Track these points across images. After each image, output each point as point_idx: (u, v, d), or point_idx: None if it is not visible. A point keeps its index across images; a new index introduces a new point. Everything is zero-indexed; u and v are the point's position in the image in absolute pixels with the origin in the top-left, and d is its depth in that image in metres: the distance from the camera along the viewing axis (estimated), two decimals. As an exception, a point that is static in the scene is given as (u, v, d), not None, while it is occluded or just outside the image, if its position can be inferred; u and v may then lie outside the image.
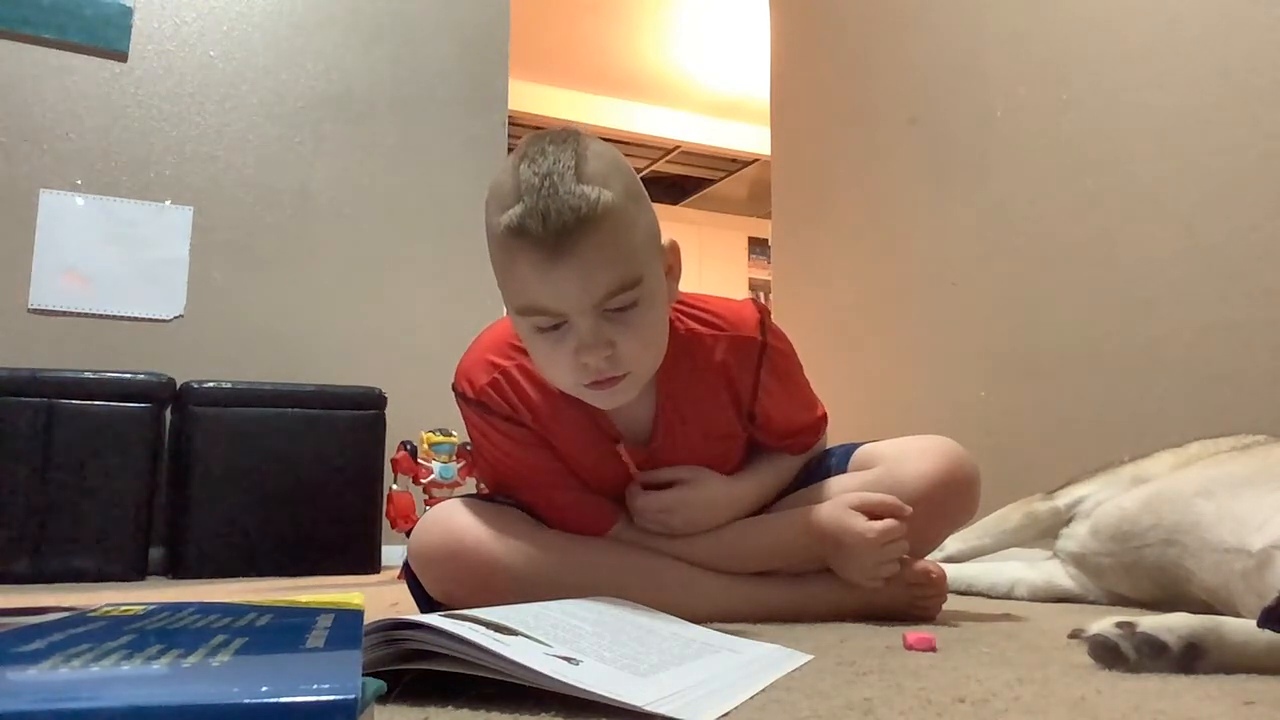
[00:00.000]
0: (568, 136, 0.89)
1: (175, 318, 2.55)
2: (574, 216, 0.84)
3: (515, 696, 0.55)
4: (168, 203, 2.59)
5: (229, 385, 2.31)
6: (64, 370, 2.18)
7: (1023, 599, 1.52)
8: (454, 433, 2.23)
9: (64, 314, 2.45)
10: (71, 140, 2.51)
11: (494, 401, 1.05)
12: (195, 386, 2.27)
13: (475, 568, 1.01)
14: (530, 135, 0.91)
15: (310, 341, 2.67)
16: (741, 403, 1.09)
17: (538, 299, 0.88)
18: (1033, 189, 2.11)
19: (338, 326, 2.72)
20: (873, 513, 1.06)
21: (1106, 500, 1.44)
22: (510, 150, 2.73)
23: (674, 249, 0.99)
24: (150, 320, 2.52)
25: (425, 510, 1.70)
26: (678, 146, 5.86)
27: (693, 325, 1.06)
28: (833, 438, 1.24)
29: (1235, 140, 1.71)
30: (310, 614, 0.52)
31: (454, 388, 1.08)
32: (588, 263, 0.85)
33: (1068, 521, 1.53)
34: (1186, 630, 0.72)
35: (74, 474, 2.10)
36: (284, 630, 0.47)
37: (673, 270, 0.99)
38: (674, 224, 6.59)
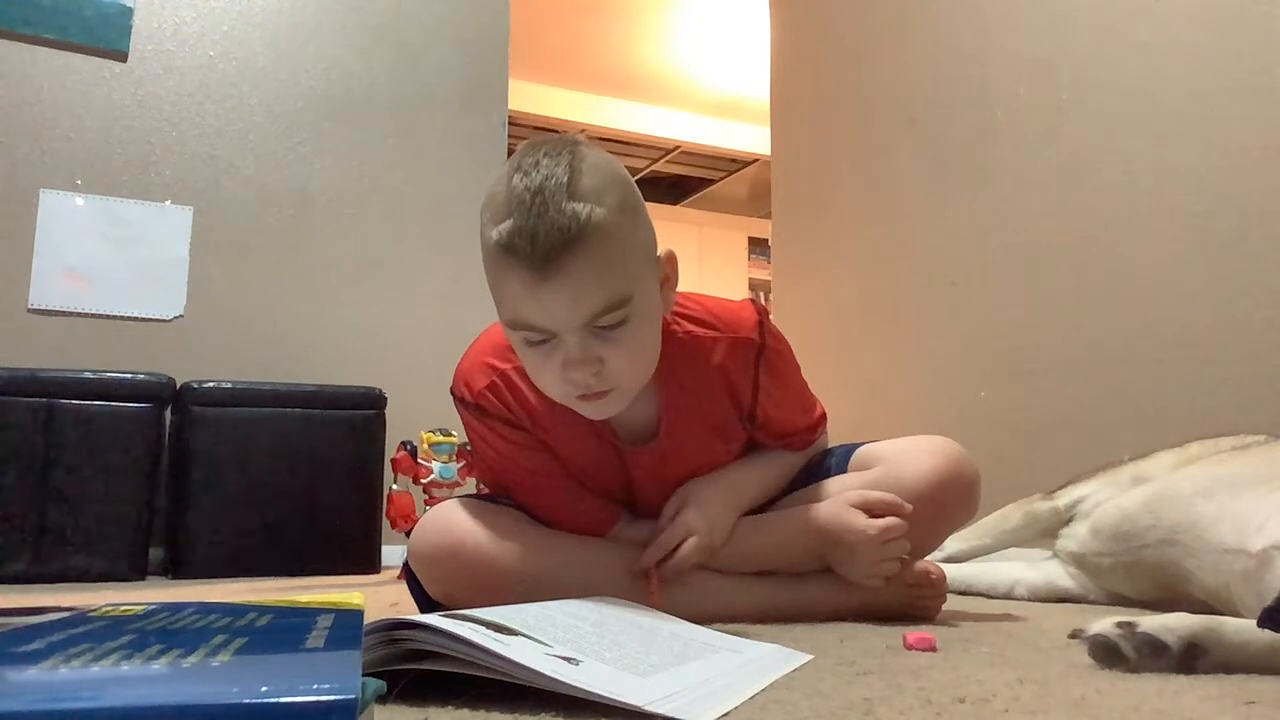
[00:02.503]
0: (563, 148, 0.88)
1: (175, 318, 2.55)
2: (562, 238, 0.83)
3: (515, 696, 0.55)
4: (168, 203, 2.59)
5: (229, 385, 2.31)
6: (64, 370, 2.18)
7: (1023, 599, 1.52)
8: (454, 433, 2.23)
9: (64, 314, 2.45)
10: (71, 140, 2.51)
11: (492, 405, 1.05)
12: (195, 386, 2.27)
13: (475, 568, 1.01)
14: (529, 142, 0.90)
15: (310, 341, 2.67)
16: (742, 404, 1.09)
17: (526, 316, 0.88)
18: (1033, 189, 2.11)
19: (338, 326, 2.72)
20: (873, 511, 1.06)
21: (1106, 500, 1.44)
22: (510, 150, 2.73)
23: (670, 259, 0.98)
24: (150, 320, 2.52)
25: (425, 510, 1.70)
26: (678, 146, 5.86)
27: (690, 328, 1.05)
28: (833, 438, 1.24)
29: (1236, 140, 1.71)
30: (310, 614, 0.52)
31: (452, 391, 1.08)
32: (576, 283, 0.85)
33: (1068, 521, 1.53)
34: (1186, 630, 0.72)
35: (74, 474, 2.10)
36: (284, 630, 0.47)
37: (669, 280, 0.98)
38: (674, 224, 6.59)
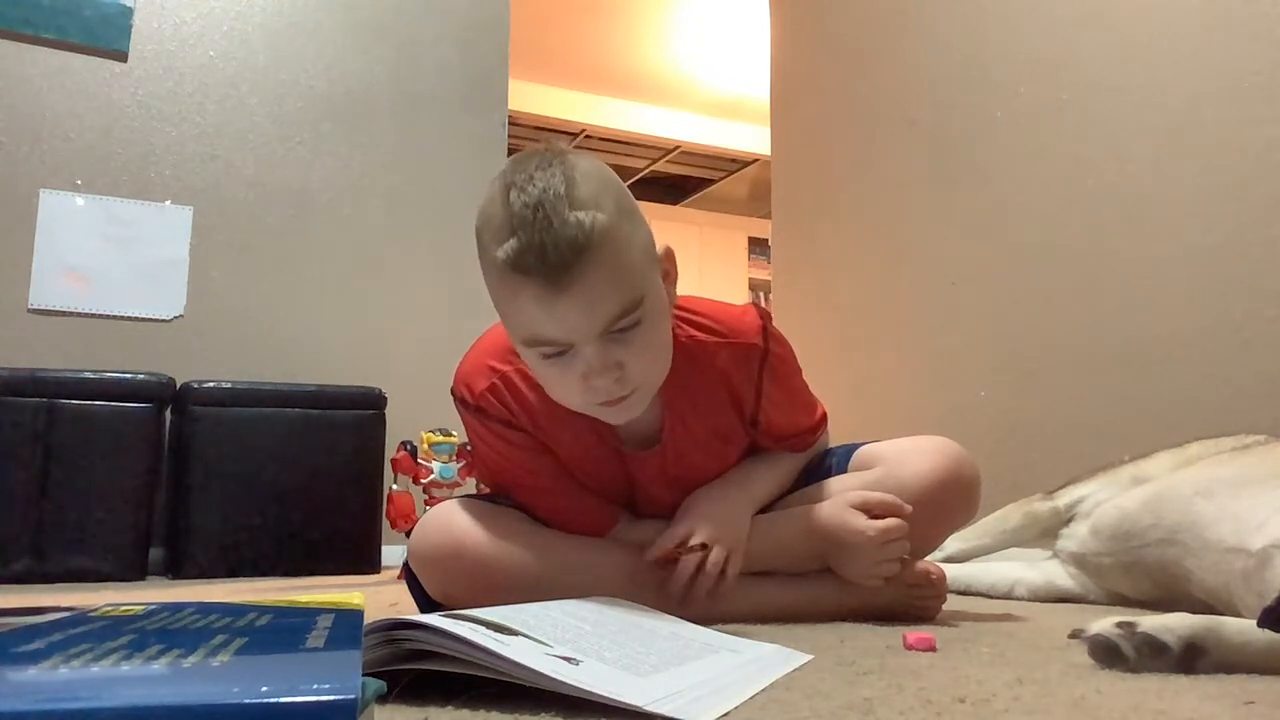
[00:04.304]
0: (553, 159, 0.87)
1: (175, 318, 2.55)
2: (571, 248, 0.82)
3: (515, 696, 0.55)
4: (168, 203, 2.59)
5: (229, 385, 2.31)
6: (64, 370, 2.18)
7: (1023, 599, 1.52)
8: (454, 433, 2.23)
9: (64, 314, 2.45)
10: (71, 140, 2.51)
11: (493, 406, 1.05)
12: (195, 386, 2.27)
13: (475, 568, 1.01)
14: (513, 158, 0.90)
15: (310, 341, 2.67)
16: (744, 408, 1.09)
17: (542, 331, 0.87)
18: (1032, 189, 2.12)
19: (338, 326, 2.72)
20: (873, 511, 1.06)
21: (1106, 500, 1.44)
22: (511, 150, 2.72)
23: (669, 255, 0.98)
24: (150, 320, 2.52)
25: (425, 510, 1.70)
26: (678, 146, 5.85)
27: (693, 333, 1.05)
28: (833, 438, 1.24)
29: (1235, 140, 1.71)
30: (310, 614, 0.52)
31: (453, 392, 1.08)
32: (590, 292, 0.84)
33: (1068, 521, 1.53)
34: (1186, 630, 0.72)
35: (74, 474, 2.10)
36: (284, 630, 0.47)
37: (669, 275, 0.98)
38: (674, 224, 6.59)
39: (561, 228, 0.83)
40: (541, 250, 0.83)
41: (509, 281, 0.86)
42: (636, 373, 0.91)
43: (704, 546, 1.03)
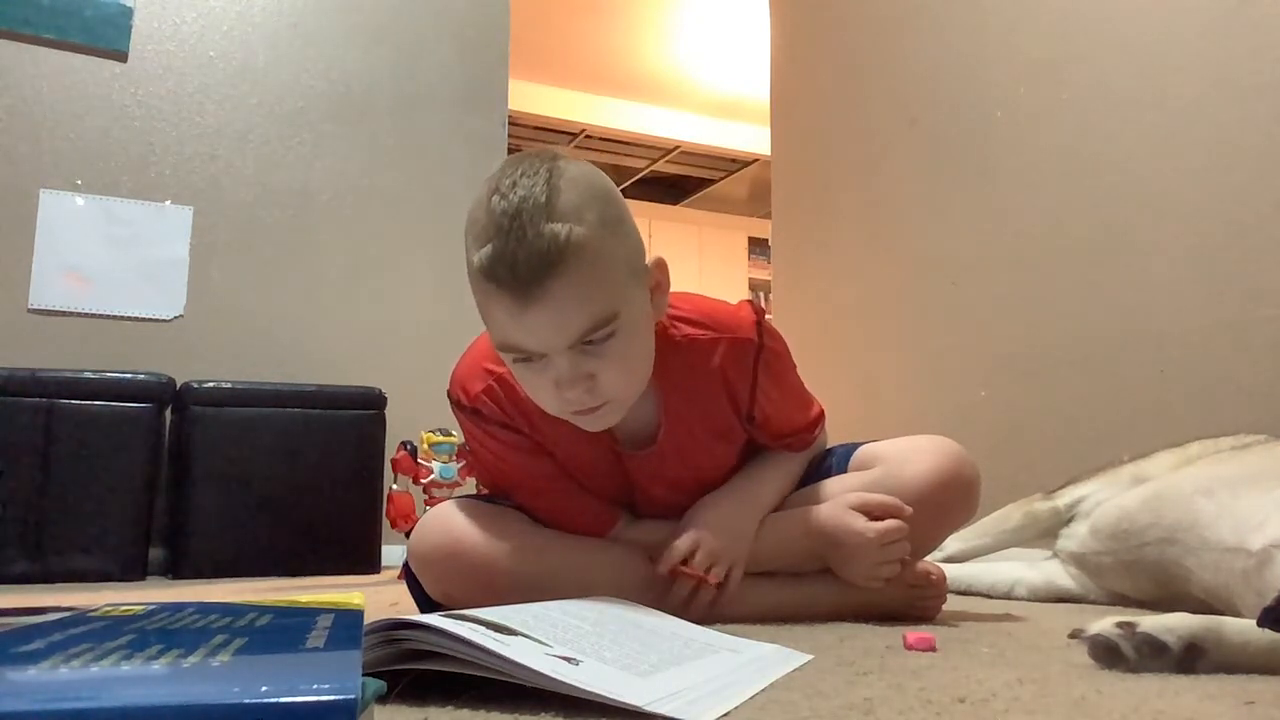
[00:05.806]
0: (540, 165, 0.86)
1: (175, 318, 2.55)
2: (542, 262, 0.82)
3: (515, 696, 0.55)
4: (168, 203, 2.59)
5: (229, 385, 2.31)
6: (64, 370, 2.18)
7: (1023, 599, 1.52)
8: (454, 433, 2.23)
9: (64, 314, 2.45)
10: (71, 140, 2.51)
11: (489, 408, 1.04)
12: (195, 386, 2.27)
13: (474, 569, 1.01)
14: (507, 159, 0.90)
15: (310, 341, 2.67)
16: (740, 405, 1.08)
17: (514, 339, 0.87)
18: (1032, 189, 2.11)
19: (338, 326, 2.72)
20: (873, 513, 1.05)
21: (1106, 500, 1.44)
22: (511, 150, 2.72)
23: (660, 266, 0.97)
24: (150, 320, 2.52)
25: (425, 510, 1.70)
26: (678, 146, 5.86)
27: (688, 330, 1.05)
28: (833, 438, 1.24)
29: (1235, 140, 1.71)
30: (310, 614, 0.52)
31: (449, 395, 1.08)
32: (559, 306, 0.84)
33: (1068, 521, 1.53)
34: (1186, 630, 0.72)
35: (74, 474, 2.10)
36: (284, 630, 0.47)
37: (660, 286, 0.97)
38: (674, 224, 6.60)
39: (534, 240, 0.82)
40: (513, 261, 0.82)
41: (483, 287, 0.86)
42: (609, 385, 0.91)
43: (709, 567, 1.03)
